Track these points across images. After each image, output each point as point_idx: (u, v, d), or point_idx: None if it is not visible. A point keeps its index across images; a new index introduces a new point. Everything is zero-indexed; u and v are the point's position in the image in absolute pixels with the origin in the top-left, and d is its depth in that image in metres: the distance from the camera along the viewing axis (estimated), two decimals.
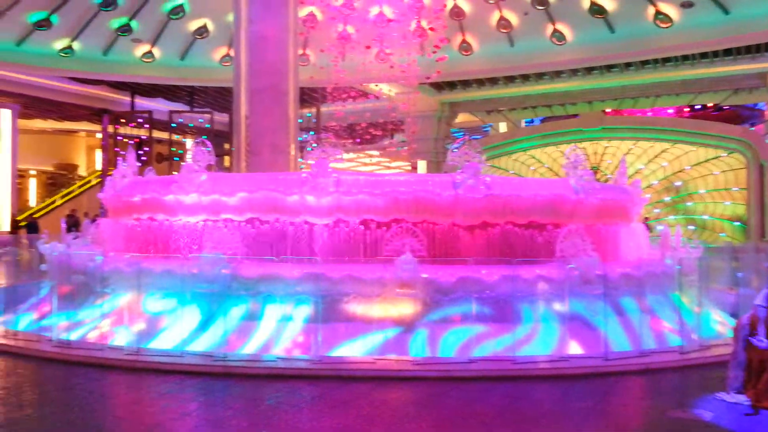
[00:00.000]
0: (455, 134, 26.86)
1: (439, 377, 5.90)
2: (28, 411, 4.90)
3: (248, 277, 7.60)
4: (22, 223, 24.53)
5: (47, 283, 8.55)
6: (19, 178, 33.07)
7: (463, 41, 21.91)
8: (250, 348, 7.10)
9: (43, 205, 36.54)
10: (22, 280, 9.04)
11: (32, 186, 44.76)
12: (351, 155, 31.43)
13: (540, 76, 23.26)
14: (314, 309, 7.16)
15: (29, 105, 28.22)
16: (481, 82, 24.29)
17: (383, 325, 7.10)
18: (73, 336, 7.14)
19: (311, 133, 24.86)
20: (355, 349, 6.99)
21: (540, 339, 6.97)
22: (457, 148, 8.40)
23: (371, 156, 33.02)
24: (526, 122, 31.07)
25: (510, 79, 23.76)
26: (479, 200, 8.01)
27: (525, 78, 23.43)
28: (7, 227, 25.25)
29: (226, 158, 25.73)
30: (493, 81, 24.02)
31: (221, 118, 27.68)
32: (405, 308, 7.18)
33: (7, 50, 23.53)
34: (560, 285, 7.30)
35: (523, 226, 8.26)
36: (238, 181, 8.91)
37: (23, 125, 30.45)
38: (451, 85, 24.51)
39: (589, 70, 22.54)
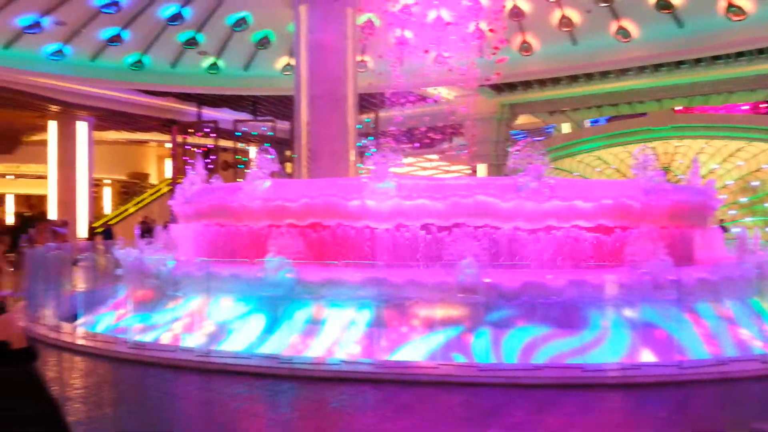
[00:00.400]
0: (516, 136, 26.43)
1: (504, 383, 5.79)
2: (107, 410, 5.14)
3: (311, 281, 7.72)
4: (99, 230, 25.82)
5: (123, 287, 8.96)
6: (95, 187, 34.90)
7: (524, 41, 21.56)
8: (314, 351, 7.20)
9: (117, 212, 38.39)
10: (99, 285, 9.50)
11: (107, 194, 47.11)
12: (410, 159, 31.48)
13: (605, 75, 22.58)
14: (376, 313, 7.18)
15: (103, 117, 29.72)
16: (542, 83, 23.82)
17: (445, 329, 7.05)
18: (148, 338, 7.44)
19: (370, 138, 25.04)
20: (417, 354, 6.98)
21: (610, 346, 6.74)
22: (518, 150, 8.26)
23: (430, 160, 32.96)
24: (590, 122, 30.21)
25: (573, 79, 23.18)
26: (543, 203, 7.84)
27: (589, 77, 22.80)
28: (84, 234, 26.69)
29: (288, 165, 26.27)
30: (555, 81, 23.51)
31: (283, 125, 28.32)
32: (467, 313, 7.10)
33: (82, 66, 24.89)
34: (631, 290, 7.04)
35: (590, 230, 8.03)
36: (300, 187, 9.09)
37: (98, 137, 32.10)
38: (512, 87, 24.15)
39: (657, 67, 21.68)
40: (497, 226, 7.93)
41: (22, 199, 47.68)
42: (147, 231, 17.62)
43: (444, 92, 23.76)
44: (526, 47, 21.55)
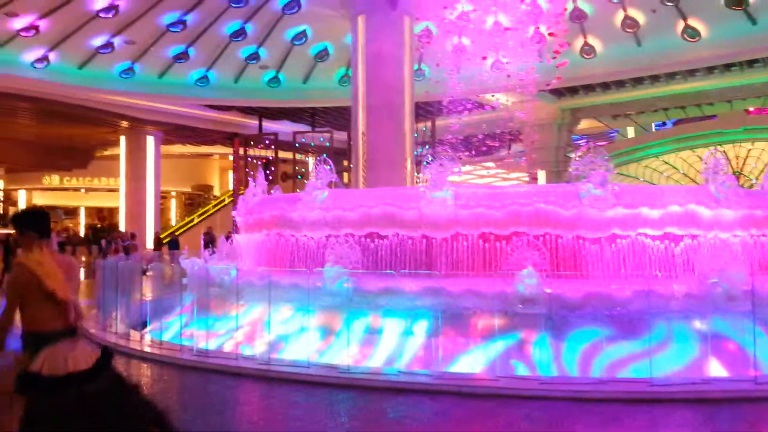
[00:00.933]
0: (578, 142, 25.77)
1: (567, 397, 5.61)
2: (173, 415, 5.28)
3: (369, 290, 7.74)
4: (165, 241, 26.82)
5: (188, 296, 9.25)
6: (162, 199, 36.33)
7: (585, 44, 21.05)
8: (371, 361, 7.21)
9: (182, 223, 39.82)
10: (166, 293, 9.84)
11: (173, 206, 48.95)
12: (467, 167, 31.23)
13: (671, 76, 21.74)
14: (434, 323, 7.12)
15: (170, 132, 30.96)
16: (605, 86, 23.16)
17: (505, 341, 6.91)
18: (211, 345, 7.64)
19: (427, 147, 24.99)
20: (476, 365, 6.87)
21: (679, 360, 6.43)
22: (581, 156, 8.04)
23: (488, 168, 32.58)
24: (656, 125, 29.12)
25: (638, 81, 22.43)
26: (607, 211, 7.59)
27: (654, 79, 22.01)
28: (151, 245, 27.79)
29: (345, 174, 26.56)
30: (619, 84, 22.82)
31: (340, 136, 28.69)
32: (528, 324, 6.94)
33: (151, 82, 26.03)
34: (701, 301, 6.70)
35: (657, 238, 7.71)
36: (357, 197, 9.15)
37: (165, 150, 33.45)
38: (573, 91, 23.60)
39: (728, 67, 20.70)
40: (559, 235, 7.73)
41: (94, 212, 50.23)
42: (210, 241, 18.18)
43: (502, 98, 23.47)
44: (587, 50, 21.03)
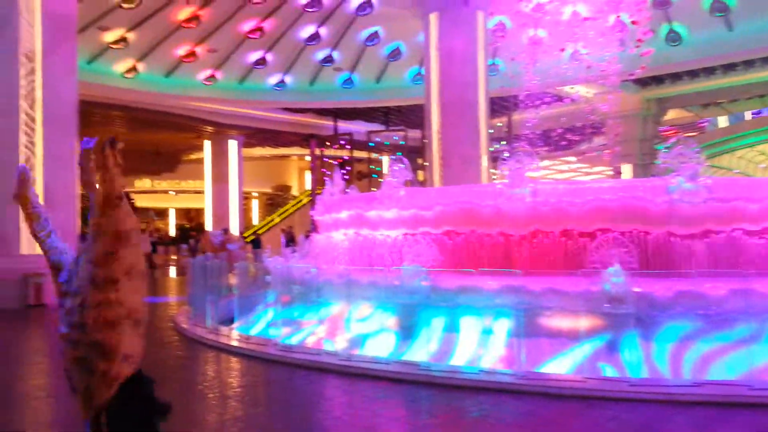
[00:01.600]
0: (665, 133, 24.54)
1: (659, 400, 5.36)
2: (260, 408, 5.50)
3: (447, 288, 7.70)
4: (248, 240, 27.81)
5: (272, 293, 9.56)
6: (244, 199, 37.69)
7: (671, 31, 20.06)
8: (451, 359, 7.18)
9: (263, 222, 41.15)
10: (251, 290, 10.21)
11: (255, 206, 50.68)
12: (546, 163, 30.45)
13: (767, 61, 20.31)
14: (515, 322, 7.00)
15: (251, 135, 32.08)
16: (693, 74, 21.93)
17: (591, 341, 6.70)
18: (294, 340, 7.86)
19: (503, 142, 24.59)
20: (560, 366, 6.69)
21: None
22: (669, 148, 7.65)
23: (568, 162, 31.63)
24: (752, 114, 27.27)
25: (729, 67, 21.09)
26: (699, 205, 7.19)
27: (748, 64, 20.62)
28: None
29: (420, 173, 26.56)
30: (708, 71, 21.54)
31: (414, 134, 28.72)
32: (614, 324, 6.68)
33: (232, 89, 27.07)
34: None
35: (755, 234, 7.23)
36: (433, 195, 9.13)
37: (246, 153, 34.70)
38: (658, 80, 22.50)
39: None
40: (647, 231, 7.39)
41: (182, 213, 52.83)
42: (291, 240, 18.70)
43: (582, 90, 22.72)
44: (673, 37, 20.02)
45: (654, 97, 23.65)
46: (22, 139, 13.31)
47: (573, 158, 31.35)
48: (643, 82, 22.38)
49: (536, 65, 16.61)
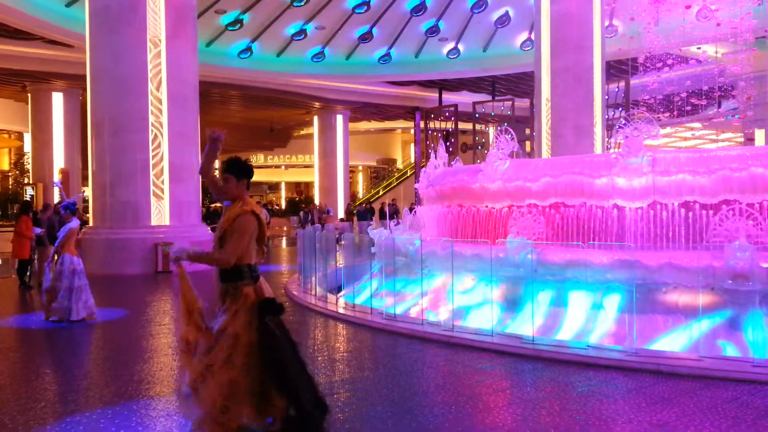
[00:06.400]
0: None
1: None
2: (366, 372, 5.69)
3: (554, 262, 7.51)
4: (354, 212, 28.55)
5: (376, 264, 9.79)
6: (350, 173, 38.59)
7: None
8: (557, 334, 7.02)
9: (369, 195, 41.95)
10: (357, 261, 10.50)
11: (360, 179, 51.70)
12: (667, 130, 28.40)
13: None
14: (628, 298, 6.70)
15: (357, 109, 32.64)
16: None
17: (710, 319, 6.28)
18: (398, 310, 8.03)
19: (620, 109, 23.22)
20: (676, 344, 6.34)
21: None
22: None
23: (693, 129, 29.29)
24: None
25: None
26: None
27: None
28: (342, 215, 29.76)
29: (527, 144, 25.76)
30: None
31: (522, 104, 27.87)
32: (738, 302, 6.21)
33: (339, 64, 27.60)
34: None
35: None
36: (541, 167, 8.85)
37: (352, 128, 35.41)
38: None
39: None
40: None
41: (292, 186, 55.10)
42: (395, 212, 18.95)
43: (710, 50, 20.82)
44: None
45: None
46: (151, 119, 14.44)
47: (698, 125, 28.98)
48: None
49: (658, 25, 15.45)
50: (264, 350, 3.60)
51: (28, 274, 11.99)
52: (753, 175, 6.92)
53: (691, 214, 7.33)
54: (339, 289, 10.35)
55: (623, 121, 8.00)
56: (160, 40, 14.55)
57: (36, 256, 12.42)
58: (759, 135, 21.78)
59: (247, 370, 3.65)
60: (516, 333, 6.95)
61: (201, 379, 3.65)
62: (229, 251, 3.65)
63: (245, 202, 3.81)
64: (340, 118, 32.38)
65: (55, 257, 8.53)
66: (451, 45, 26.92)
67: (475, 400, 4.80)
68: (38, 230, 12.00)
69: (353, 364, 6.01)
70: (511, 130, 9.37)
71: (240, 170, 3.85)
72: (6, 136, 34.44)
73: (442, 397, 4.88)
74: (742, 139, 24.21)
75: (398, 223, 11.40)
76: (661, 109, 23.68)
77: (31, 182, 25.62)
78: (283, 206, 47.09)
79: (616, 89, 24.42)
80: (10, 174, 33.39)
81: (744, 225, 6.82)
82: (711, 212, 7.20)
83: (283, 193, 55.45)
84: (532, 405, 4.65)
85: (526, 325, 6.96)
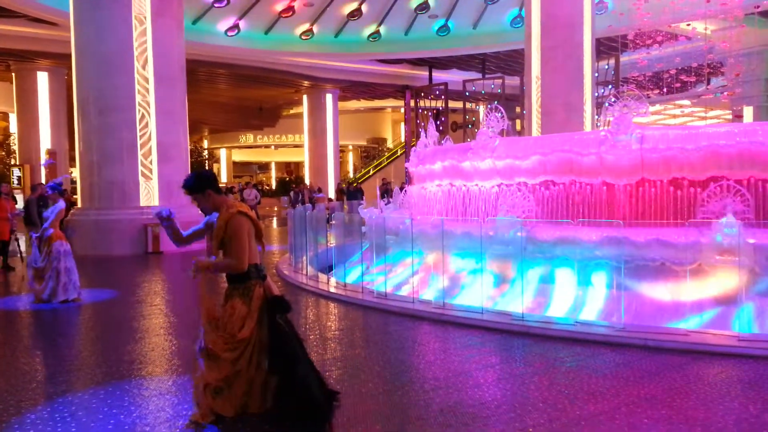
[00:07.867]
0: None
1: None
2: (358, 350, 5.73)
3: (543, 239, 7.55)
4: (345, 191, 28.44)
5: (367, 243, 9.80)
6: (341, 152, 38.41)
7: None
8: (546, 311, 7.10)
9: (359, 175, 41.83)
10: (347, 240, 10.52)
11: (350, 159, 51.51)
12: (657, 107, 28.44)
13: None
14: (616, 275, 6.77)
15: (346, 88, 32.37)
16: None
17: (698, 295, 6.35)
18: (389, 289, 8.07)
19: (610, 86, 23.20)
20: (662, 320, 6.43)
21: None
22: None
23: (682, 107, 29.33)
24: None
25: None
26: None
27: None
28: (332, 195, 29.70)
29: (518, 122, 25.72)
30: None
31: (512, 81, 27.72)
32: (725, 278, 6.29)
33: (328, 42, 27.26)
34: None
35: None
36: (531, 144, 8.84)
37: (341, 107, 35.15)
38: None
39: None
40: (766, 179, 6.80)
41: (283, 166, 54.85)
42: (386, 192, 18.93)
43: (699, 27, 20.77)
44: None
45: None
46: (138, 98, 14.25)
47: (687, 102, 29.04)
48: None
49: (648, 1, 15.37)
50: (275, 348, 3.68)
51: (7, 254, 11.86)
52: (741, 150, 6.95)
53: (679, 191, 7.37)
54: (330, 269, 10.37)
55: (613, 99, 7.99)
56: (145, 17, 14.31)
57: (14, 237, 12.26)
58: (747, 112, 21.87)
59: (256, 366, 3.72)
60: (505, 310, 7.02)
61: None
62: (237, 255, 3.67)
63: (228, 205, 3.79)
64: (329, 97, 32.12)
65: (42, 237, 8.45)
66: (441, 22, 26.68)
67: (465, 375, 4.85)
68: (18, 211, 11.86)
69: (345, 342, 6.05)
70: (502, 108, 9.34)
71: (198, 186, 3.81)
72: None
73: (432, 373, 4.93)
74: (730, 117, 24.30)
75: (389, 203, 11.40)
76: (651, 86, 23.68)
77: (18, 163, 25.31)
78: (274, 186, 46.92)
79: (606, 66, 24.37)
80: None
81: (731, 201, 6.88)
82: (699, 189, 7.25)
83: (273, 173, 55.20)
84: (521, 380, 4.71)
85: (516, 302, 7.02)
